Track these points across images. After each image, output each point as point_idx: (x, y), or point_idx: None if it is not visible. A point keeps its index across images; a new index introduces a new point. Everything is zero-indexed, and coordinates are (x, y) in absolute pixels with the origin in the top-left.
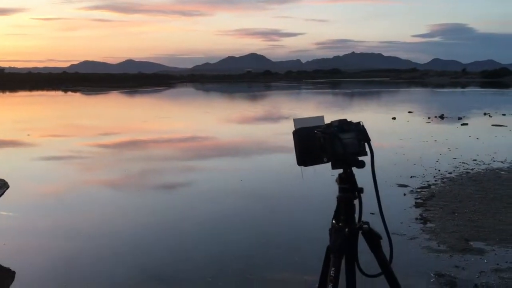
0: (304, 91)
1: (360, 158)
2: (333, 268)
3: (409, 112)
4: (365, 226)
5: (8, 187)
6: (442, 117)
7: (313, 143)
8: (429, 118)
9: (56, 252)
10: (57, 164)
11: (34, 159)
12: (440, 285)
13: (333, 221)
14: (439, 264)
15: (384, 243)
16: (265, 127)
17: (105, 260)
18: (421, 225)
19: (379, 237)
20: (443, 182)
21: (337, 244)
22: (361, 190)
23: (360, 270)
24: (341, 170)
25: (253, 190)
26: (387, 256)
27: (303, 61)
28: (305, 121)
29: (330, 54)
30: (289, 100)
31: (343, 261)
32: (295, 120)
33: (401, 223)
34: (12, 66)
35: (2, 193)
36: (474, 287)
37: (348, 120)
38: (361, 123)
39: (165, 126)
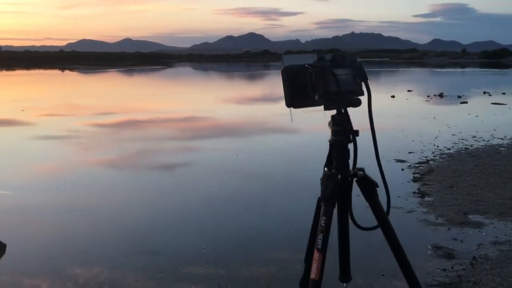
0: None
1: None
2: (324, 218)
3: (408, 91)
4: (360, 172)
5: None
6: (441, 95)
7: (303, 81)
8: (428, 96)
9: (48, 226)
10: (50, 141)
11: (27, 136)
12: (438, 257)
13: (325, 169)
14: (437, 237)
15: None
16: (262, 107)
17: (97, 234)
18: (419, 199)
19: (375, 185)
20: (442, 158)
21: (329, 191)
22: (356, 133)
23: (354, 222)
24: (334, 112)
25: (248, 165)
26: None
27: (302, 41)
28: (296, 58)
29: (329, 34)
30: None
31: (335, 213)
32: (284, 57)
33: (398, 196)
34: (9, 44)
35: None
36: (472, 259)
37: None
38: (357, 59)
39: (162, 105)
